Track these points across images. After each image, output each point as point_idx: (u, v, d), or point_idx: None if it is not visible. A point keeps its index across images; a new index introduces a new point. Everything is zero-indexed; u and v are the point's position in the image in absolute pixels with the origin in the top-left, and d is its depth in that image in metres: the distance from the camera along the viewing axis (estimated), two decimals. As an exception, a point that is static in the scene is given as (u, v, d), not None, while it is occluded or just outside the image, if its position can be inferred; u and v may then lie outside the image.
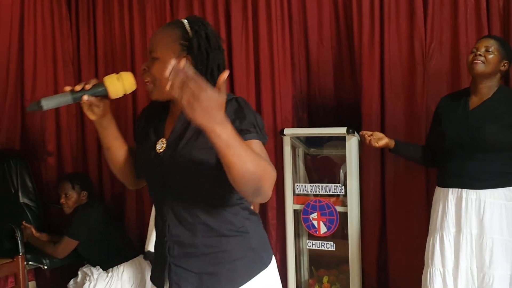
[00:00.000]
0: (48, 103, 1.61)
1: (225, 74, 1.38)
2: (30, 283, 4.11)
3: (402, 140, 3.17)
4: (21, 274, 3.53)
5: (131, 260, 3.80)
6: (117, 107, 4.12)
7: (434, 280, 2.81)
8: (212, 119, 1.32)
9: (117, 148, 1.81)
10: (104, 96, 1.67)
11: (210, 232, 1.68)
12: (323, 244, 3.69)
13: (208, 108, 1.31)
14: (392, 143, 3.00)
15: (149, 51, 1.71)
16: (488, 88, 2.78)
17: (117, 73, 1.68)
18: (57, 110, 4.43)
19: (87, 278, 3.73)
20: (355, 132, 3.44)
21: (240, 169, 1.38)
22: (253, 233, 1.73)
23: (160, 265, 1.76)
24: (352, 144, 3.48)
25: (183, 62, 1.32)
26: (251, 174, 1.40)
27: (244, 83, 3.86)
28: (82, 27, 4.51)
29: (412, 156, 3.09)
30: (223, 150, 1.36)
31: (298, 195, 3.72)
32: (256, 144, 1.55)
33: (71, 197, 3.90)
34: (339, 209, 3.58)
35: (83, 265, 3.87)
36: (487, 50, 2.72)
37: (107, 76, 1.67)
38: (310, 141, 3.82)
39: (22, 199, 4.26)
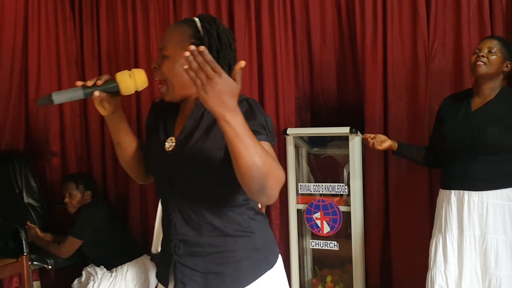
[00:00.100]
0: (59, 98, 1.61)
1: (242, 63, 1.39)
2: (34, 283, 4.13)
3: (404, 142, 3.16)
4: (25, 274, 3.54)
5: (135, 260, 3.82)
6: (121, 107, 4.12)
7: (435, 282, 2.81)
8: (224, 105, 1.34)
9: (127, 144, 1.82)
10: (116, 92, 1.67)
11: (215, 232, 1.68)
12: (326, 243, 3.69)
13: (221, 93, 1.33)
14: (395, 145, 3.00)
15: (160, 48, 1.70)
16: (491, 89, 2.77)
17: (130, 70, 1.69)
18: (61, 110, 4.44)
19: (91, 278, 3.75)
20: (358, 132, 3.45)
21: (247, 161, 1.38)
22: (258, 233, 1.73)
23: (165, 263, 1.77)
24: (355, 144, 3.49)
25: (202, 47, 1.33)
26: (258, 169, 1.40)
27: (247, 84, 3.86)
28: (85, 27, 4.52)
29: (415, 158, 3.08)
30: (232, 139, 1.37)
31: (301, 194, 3.73)
32: (265, 145, 1.54)
33: (75, 197, 3.91)
34: (343, 208, 3.58)
35: (87, 265, 3.89)
36: (489, 51, 2.72)
37: (119, 72, 1.67)
38: (313, 141, 3.82)
39: (27, 199, 4.28)
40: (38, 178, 4.36)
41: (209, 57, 1.33)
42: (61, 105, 4.46)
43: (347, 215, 3.58)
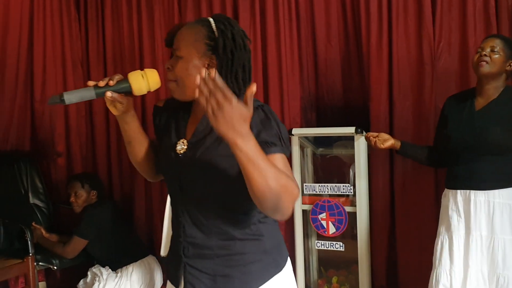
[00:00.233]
0: (70, 98, 1.60)
1: (253, 88, 1.37)
2: (40, 283, 4.14)
3: (408, 141, 3.15)
4: (31, 275, 3.54)
5: (140, 260, 3.82)
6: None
7: (440, 281, 2.79)
8: (235, 131, 1.33)
9: (138, 143, 1.81)
10: (128, 92, 1.66)
11: (224, 235, 1.68)
12: (332, 244, 3.68)
13: (232, 120, 1.32)
14: (398, 144, 2.98)
15: (173, 49, 1.69)
16: (494, 88, 2.75)
17: (142, 70, 1.68)
18: (66, 110, 4.46)
19: (97, 279, 3.75)
20: (364, 132, 3.44)
21: (261, 185, 1.39)
22: (268, 236, 1.72)
23: (175, 264, 1.77)
24: (360, 144, 3.47)
25: (213, 72, 1.32)
26: (271, 191, 1.40)
27: (252, 84, 3.85)
28: (90, 28, 4.53)
29: (419, 157, 3.06)
30: (245, 164, 1.37)
31: (306, 195, 3.72)
32: (280, 158, 1.54)
33: (81, 196, 3.93)
34: (348, 209, 3.57)
35: (92, 266, 3.89)
36: (492, 50, 2.70)
37: (131, 73, 1.66)
38: (318, 141, 3.81)
39: (32, 200, 4.29)
40: (44, 179, 4.37)
41: (220, 83, 1.31)
42: (66, 105, 4.47)
43: (352, 216, 3.56)
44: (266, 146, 1.51)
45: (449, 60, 3.38)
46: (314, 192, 3.71)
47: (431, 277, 2.89)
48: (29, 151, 4.38)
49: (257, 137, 1.51)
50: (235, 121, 1.32)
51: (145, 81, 1.65)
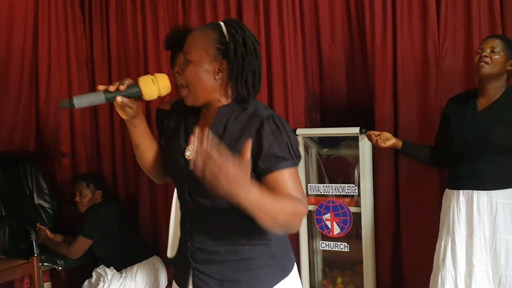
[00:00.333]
0: (80, 102, 1.59)
1: (249, 143, 1.39)
2: (45, 284, 4.15)
3: (410, 141, 3.14)
4: (36, 275, 3.56)
5: (144, 261, 3.83)
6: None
7: (445, 283, 2.78)
8: (235, 190, 1.35)
9: (146, 146, 1.80)
10: (138, 97, 1.65)
11: (232, 241, 1.68)
12: (336, 245, 3.67)
13: (231, 183, 1.33)
14: (399, 144, 2.98)
15: (184, 52, 1.69)
16: (496, 89, 2.74)
17: (147, 70, 1.68)
18: (71, 111, 4.47)
19: (101, 279, 3.75)
20: (372, 131, 3.42)
21: (270, 223, 1.46)
22: (275, 241, 1.72)
23: (183, 268, 1.77)
24: (365, 144, 3.46)
25: (206, 133, 1.33)
26: (281, 224, 1.49)
27: (256, 84, 3.85)
28: (95, 29, 4.54)
29: (420, 157, 3.05)
30: (252, 211, 1.41)
31: (311, 195, 3.71)
32: (288, 174, 1.57)
33: (86, 196, 3.94)
34: (353, 209, 3.56)
35: (97, 266, 3.90)
36: (492, 51, 2.69)
37: (142, 77, 1.66)
38: (323, 142, 3.80)
39: (37, 201, 4.30)
40: (49, 179, 4.39)
41: (212, 150, 1.31)
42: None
43: (357, 216, 3.55)
44: (276, 161, 1.56)
45: (454, 60, 3.37)
46: (319, 193, 3.70)
47: (433, 279, 2.89)
48: (34, 152, 4.39)
49: (268, 150, 1.56)
50: (233, 183, 1.33)
51: (155, 86, 1.64)
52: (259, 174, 1.60)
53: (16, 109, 4.22)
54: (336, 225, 3.61)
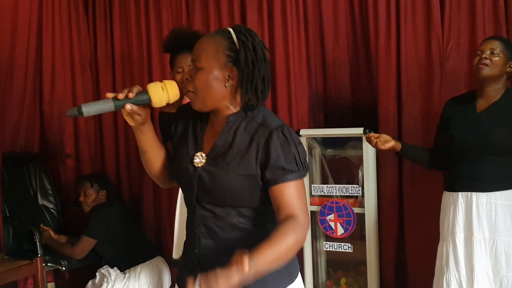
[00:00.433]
0: (89, 110, 1.57)
1: (245, 259, 1.42)
2: (49, 284, 4.15)
3: (409, 143, 3.14)
4: (39, 276, 3.56)
5: (148, 261, 3.83)
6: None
7: (450, 286, 2.77)
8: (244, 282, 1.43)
9: (154, 152, 1.79)
10: (147, 104, 1.64)
11: (240, 246, 1.66)
12: (340, 245, 3.67)
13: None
14: (398, 146, 2.96)
15: (193, 59, 1.68)
16: (495, 90, 2.75)
17: (156, 76, 1.67)
18: (74, 112, 4.46)
19: (105, 280, 3.76)
20: (372, 133, 3.42)
21: (282, 264, 1.56)
22: None
23: (189, 274, 1.76)
24: (369, 145, 3.45)
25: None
26: (289, 258, 1.60)
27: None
28: (99, 30, 4.54)
29: (420, 159, 3.05)
30: (265, 271, 1.49)
31: (315, 196, 3.71)
32: (293, 186, 1.61)
33: (90, 196, 3.96)
34: (356, 210, 3.56)
35: (101, 266, 3.90)
36: (492, 53, 2.69)
37: (151, 84, 1.64)
38: (326, 142, 3.80)
39: (41, 201, 4.31)
40: (53, 180, 4.40)
41: None
42: (74, 107, 4.47)
43: (361, 217, 3.55)
44: (282, 174, 1.59)
45: (458, 61, 3.36)
46: (322, 193, 3.70)
47: (436, 283, 2.88)
48: (38, 153, 4.40)
49: (275, 162, 1.59)
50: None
51: (165, 93, 1.63)
52: (266, 184, 1.63)
53: (20, 110, 4.23)
54: (340, 226, 3.61)
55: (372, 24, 3.55)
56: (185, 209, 1.85)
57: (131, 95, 1.60)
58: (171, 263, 3.87)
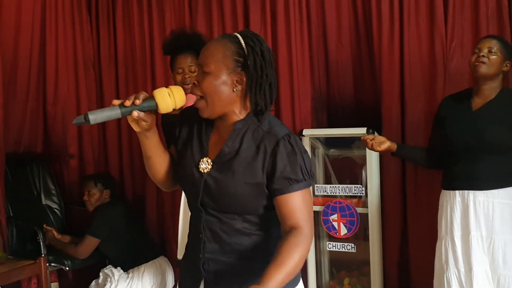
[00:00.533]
0: (96, 118, 1.56)
1: None
2: (52, 284, 4.16)
3: (405, 143, 3.17)
4: (43, 276, 3.56)
5: (151, 261, 3.83)
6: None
7: (451, 285, 2.78)
8: None
9: (158, 157, 1.78)
10: (153, 110, 1.63)
11: (245, 252, 1.70)
12: (343, 245, 3.67)
13: None
14: (394, 147, 2.97)
15: (200, 64, 1.68)
16: (491, 89, 2.76)
17: (166, 86, 1.65)
18: (78, 113, 4.47)
19: (108, 279, 3.76)
20: (375, 133, 3.42)
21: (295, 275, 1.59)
22: None
23: (194, 278, 1.77)
24: (370, 145, 3.45)
25: None
26: (299, 270, 1.61)
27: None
28: (102, 30, 4.55)
29: (416, 159, 3.07)
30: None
31: (318, 196, 3.70)
32: (299, 196, 1.63)
33: (94, 195, 3.97)
34: (360, 210, 3.55)
35: (104, 266, 3.90)
36: (490, 51, 2.70)
37: (157, 91, 1.63)
38: (329, 142, 3.80)
39: (45, 201, 4.32)
40: (56, 180, 4.40)
41: None
42: (78, 107, 4.50)
43: (364, 217, 3.54)
44: (288, 184, 1.61)
45: (462, 61, 3.35)
46: (326, 193, 3.70)
47: (436, 282, 2.90)
48: (41, 153, 4.40)
49: (282, 172, 1.60)
50: None
51: (172, 99, 1.62)
52: (271, 193, 1.64)
53: (23, 111, 4.23)
54: (343, 226, 3.60)
55: (376, 24, 3.55)
56: (188, 210, 1.85)
57: (138, 101, 1.59)
58: (175, 263, 3.87)
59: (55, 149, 4.45)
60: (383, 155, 3.53)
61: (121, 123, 4.46)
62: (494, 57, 2.69)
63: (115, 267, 3.82)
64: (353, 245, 3.64)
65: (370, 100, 3.70)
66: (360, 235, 3.64)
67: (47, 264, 3.64)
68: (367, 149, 3.43)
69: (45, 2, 4.29)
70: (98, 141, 4.61)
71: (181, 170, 1.77)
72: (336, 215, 3.61)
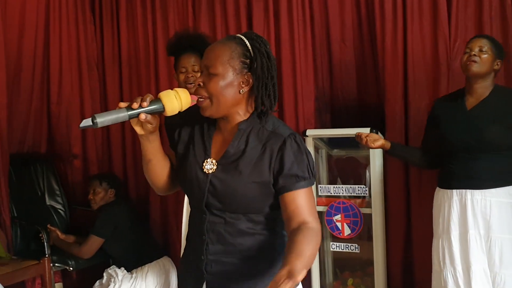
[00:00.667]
0: (103, 121, 1.54)
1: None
2: (56, 284, 4.17)
3: (399, 143, 3.17)
4: (47, 276, 3.58)
5: (155, 262, 3.84)
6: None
7: (448, 283, 2.80)
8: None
9: (159, 161, 1.77)
10: (159, 112, 1.62)
11: (249, 252, 1.70)
12: (347, 246, 3.66)
13: None
14: (388, 145, 2.99)
15: (205, 66, 1.67)
16: (484, 87, 2.78)
17: (172, 89, 1.63)
18: (82, 113, 4.49)
19: (112, 280, 3.77)
20: (379, 133, 3.41)
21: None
22: None
23: (195, 281, 1.77)
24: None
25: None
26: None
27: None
28: (105, 31, 4.55)
29: (409, 158, 3.10)
30: None
31: (321, 196, 3.70)
32: (305, 193, 1.64)
33: (98, 193, 3.99)
34: (363, 210, 3.55)
35: (108, 267, 3.91)
36: (480, 50, 2.73)
37: (163, 93, 1.62)
38: (333, 142, 3.79)
39: (49, 202, 4.33)
40: (60, 181, 4.41)
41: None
42: (82, 107, 4.50)
43: (368, 217, 3.54)
44: (295, 181, 1.62)
45: (465, 61, 3.34)
46: (329, 194, 3.69)
47: (434, 280, 2.92)
48: (45, 153, 4.42)
49: (289, 170, 1.62)
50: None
51: (178, 101, 1.62)
52: (278, 191, 1.65)
53: (27, 111, 4.25)
54: (347, 226, 3.60)
55: (379, 24, 3.54)
56: None
57: (145, 104, 1.58)
58: (178, 264, 3.87)
59: (59, 149, 4.46)
60: (386, 156, 3.53)
61: (124, 124, 4.43)
62: (485, 56, 2.73)
63: (119, 267, 3.83)
64: (356, 245, 3.63)
65: (373, 100, 3.69)
66: (363, 236, 3.63)
67: (51, 265, 3.65)
68: (370, 149, 3.45)
69: (49, 2, 4.30)
70: (102, 141, 4.62)
71: (184, 172, 1.76)
72: (339, 216, 3.61)
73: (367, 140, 2.96)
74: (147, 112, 1.59)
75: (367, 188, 3.56)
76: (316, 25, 3.78)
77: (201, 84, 1.67)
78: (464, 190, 2.77)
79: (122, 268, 3.81)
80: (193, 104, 1.69)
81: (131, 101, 1.59)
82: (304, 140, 3.63)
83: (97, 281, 3.90)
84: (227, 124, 1.72)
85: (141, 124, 1.62)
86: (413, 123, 3.46)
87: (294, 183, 1.62)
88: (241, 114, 1.71)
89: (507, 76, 3.25)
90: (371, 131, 3.38)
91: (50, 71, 4.35)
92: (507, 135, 2.69)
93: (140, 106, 1.58)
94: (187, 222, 3.20)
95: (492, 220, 2.71)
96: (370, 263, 3.56)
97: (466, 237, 2.75)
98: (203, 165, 1.71)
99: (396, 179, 3.54)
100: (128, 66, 4.46)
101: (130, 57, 4.45)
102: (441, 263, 2.85)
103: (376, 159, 3.47)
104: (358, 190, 3.60)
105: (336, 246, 3.70)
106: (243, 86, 1.66)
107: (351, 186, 3.64)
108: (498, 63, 2.77)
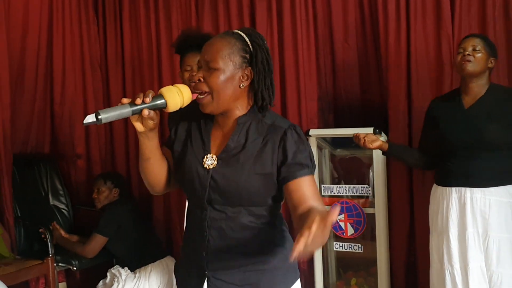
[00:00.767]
0: (107, 117, 1.54)
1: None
2: (60, 284, 4.17)
3: (397, 143, 3.16)
4: (51, 276, 3.58)
5: (158, 261, 3.84)
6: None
7: (446, 280, 2.80)
8: None
9: (157, 160, 1.76)
10: (161, 109, 1.62)
11: (251, 246, 1.71)
12: (350, 246, 3.66)
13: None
14: (385, 146, 2.99)
15: (205, 61, 1.68)
16: (479, 86, 2.79)
17: (173, 85, 1.64)
18: (85, 113, 4.48)
19: (116, 279, 3.77)
20: (382, 133, 3.41)
21: None
22: (289, 244, 1.77)
23: (196, 278, 1.77)
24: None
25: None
26: None
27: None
28: (109, 31, 4.56)
29: (407, 159, 3.09)
30: None
31: (325, 196, 3.70)
32: (309, 180, 1.65)
33: (103, 192, 4.00)
34: (367, 210, 3.55)
35: (112, 266, 3.91)
36: (474, 49, 2.74)
37: (165, 88, 1.63)
38: (336, 142, 3.79)
39: (52, 202, 4.34)
40: (64, 181, 4.42)
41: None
42: (85, 107, 4.51)
43: (371, 217, 3.54)
44: (300, 168, 1.63)
45: (469, 60, 3.34)
46: (332, 194, 3.69)
47: (432, 277, 2.94)
48: (49, 153, 4.42)
49: (293, 159, 1.63)
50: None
51: (180, 97, 1.63)
52: (282, 180, 1.65)
53: (31, 111, 4.25)
54: (350, 226, 3.60)
55: (382, 23, 3.54)
56: None
57: (148, 99, 1.58)
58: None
59: (62, 149, 4.47)
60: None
61: (127, 123, 4.46)
62: (479, 54, 2.74)
63: (122, 267, 3.83)
64: (360, 245, 3.63)
65: (376, 100, 3.69)
66: (367, 235, 3.63)
67: (55, 264, 3.66)
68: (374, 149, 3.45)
69: (52, 2, 4.31)
70: (105, 140, 4.62)
71: (183, 169, 1.76)
72: (343, 215, 3.61)
73: (365, 140, 2.97)
74: (149, 108, 1.59)
75: (370, 188, 3.56)
76: (319, 24, 3.78)
77: (201, 79, 1.68)
78: (463, 188, 2.77)
79: (126, 268, 3.82)
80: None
81: (134, 97, 1.60)
82: (307, 140, 3.63)
83: (101, 281, 3.91)
84: (226, 119, 1.73)
85: (142, 120, 1.62)
86: (416, 122, 3.45)
87: (299, 170, 1.63)
88: (240, 108, 1.72)
89: (511, 75, 3.25)
90: (374, 131, 3.38)
91: (54, 71, 4.35)
92: (506, 134, 2.69)
93: (143, 102, 1.59)
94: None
95: (491, 219, 2.71)
96: (374, 263, 3.56)
97: (464, 235, 2.76)
98: (203, 161, 1.71)
99: (399, 179, 3.54)
100: (131, 66, 4.47)
101: (133, 57, 4.46)
102: (439, 261, 2.86)
103: (379, 159, 3.47)
104: (362, 190, 3.60)
105: (340, 246, 3.70)
106: (243, 80, 1.68)
107: (354, 186, 3.63)
108: (492, 61, 2.78)
